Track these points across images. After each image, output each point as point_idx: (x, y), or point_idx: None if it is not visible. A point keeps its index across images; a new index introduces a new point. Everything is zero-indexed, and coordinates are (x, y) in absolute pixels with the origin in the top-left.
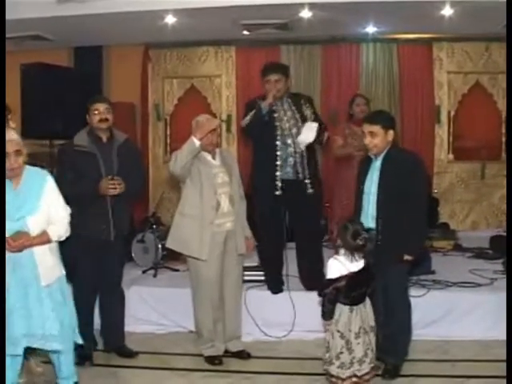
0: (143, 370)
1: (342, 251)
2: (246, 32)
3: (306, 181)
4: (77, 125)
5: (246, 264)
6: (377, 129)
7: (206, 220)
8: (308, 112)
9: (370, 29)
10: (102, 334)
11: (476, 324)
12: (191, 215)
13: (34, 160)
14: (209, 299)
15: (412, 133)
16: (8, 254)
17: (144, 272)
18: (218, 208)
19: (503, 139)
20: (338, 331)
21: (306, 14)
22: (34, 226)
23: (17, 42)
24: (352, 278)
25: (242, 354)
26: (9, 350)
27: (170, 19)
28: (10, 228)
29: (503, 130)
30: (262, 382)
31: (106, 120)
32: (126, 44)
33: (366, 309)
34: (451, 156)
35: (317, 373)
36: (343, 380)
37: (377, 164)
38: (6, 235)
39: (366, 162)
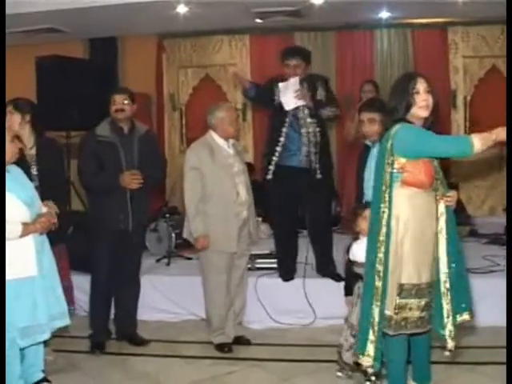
0: (154, 358)
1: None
2: (258, 20)
3: (317, 169)
4: (93, 116)
5: (258, 252)
6: (375, 116)
7: (230, 214)
8: (322, 95)
9: (384, 14)
10: (115, 322)
11: (488, 310)
12: (217, 214)
13: None
14: (220, 287)
15: (426, 120)
16: (37, 237)
17: (158, 261)
18: (237, 197)
19: None
20: None
21: (317, 0)
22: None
23: (31, 34)
24: None
25: (242, 340)
26: (37, 338)
27: (182, 9)
28: (32, 212)
29: None
30: (271, 369)
31: (122, 111)
32: (140, 34)
33: None
34: None
35: (327, 359)
36: None
37: (374, 152)
38: (27, 220)
39: (366, 150)
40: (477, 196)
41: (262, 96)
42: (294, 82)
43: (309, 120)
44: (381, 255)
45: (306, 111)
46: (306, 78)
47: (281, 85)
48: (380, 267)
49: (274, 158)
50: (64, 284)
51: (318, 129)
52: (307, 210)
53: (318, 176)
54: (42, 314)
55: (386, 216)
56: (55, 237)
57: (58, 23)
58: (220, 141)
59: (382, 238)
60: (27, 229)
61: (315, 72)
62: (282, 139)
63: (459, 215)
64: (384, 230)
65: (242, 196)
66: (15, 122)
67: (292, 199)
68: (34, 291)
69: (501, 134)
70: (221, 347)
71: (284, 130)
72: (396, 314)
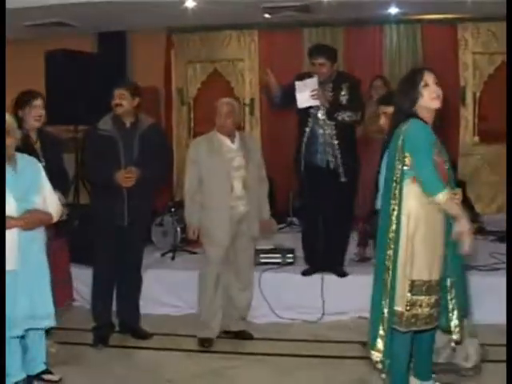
0: (156, 351)
1: None
2: (267, 15)
3: (339, 169)
4: (101, 110)
5: (262, 247)
6: (391, 110)
7: (223, 207)
8: (344, 99)
9: (393, 10)
10: (118, 315)
11: (492, 308)
12: (211, 207)
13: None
14: (210, 279)
15: (437, 114)
16: (20, 233)
17: (163, 255)
18: (231, 191)
19: None
20: None
21: None
22: (39, 207)
23: (41, 29)
24: None
25: (244, 335)
26: (14, 331)
27: (191, 4)
28: (20, 207)
29: None
30: (273, 364)
31: (120, 105)
32: (148, 29)
33: None
34: (477, 138)
35: (330, 355)
36: None
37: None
38: (13, 214)
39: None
40: (486, 194)
41: (287, 99)
42: (312, 81)
43: (327, 121)
44: (390, 252)
45: (325, 112)
46: (334, 78)
47: (297, 83)
48: (389, 264)
49: (299, 156)
50: (63, 277)
51: (335, 131)
52: (326, 209)
53: (343, 179)
54: (20, 309)
55: (395, 213)
56: (56, 232)
57: (67, 17)
58: (221, 135)
59: (391, 234)
60: (8, 222)
61: None
62: (304, 138)
63: (467, 212)
64: (393, 226)
65: (236, 190)
66: (43, 116)
67: (315, 197)
68: (15, 285)
69: (461, 224)
70: (202, 342)
71: (307, 128)
72: (407, 310)
